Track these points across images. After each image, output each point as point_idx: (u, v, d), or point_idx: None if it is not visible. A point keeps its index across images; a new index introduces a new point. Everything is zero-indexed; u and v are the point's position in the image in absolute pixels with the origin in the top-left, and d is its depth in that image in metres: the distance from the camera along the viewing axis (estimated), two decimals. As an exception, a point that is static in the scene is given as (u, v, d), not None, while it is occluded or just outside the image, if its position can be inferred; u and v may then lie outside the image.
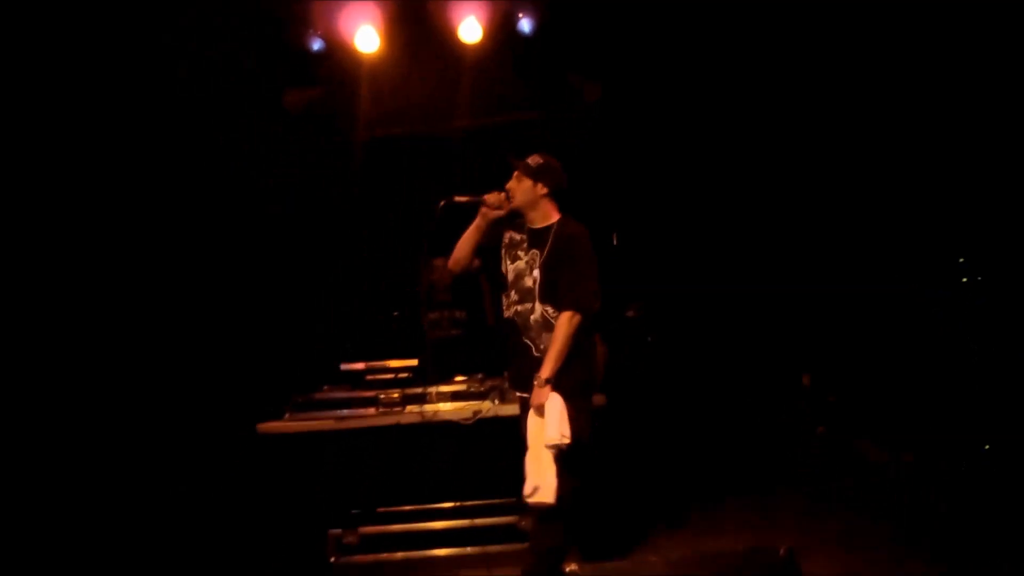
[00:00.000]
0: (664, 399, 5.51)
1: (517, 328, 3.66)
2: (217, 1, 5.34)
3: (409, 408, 4.80)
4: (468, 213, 3.73)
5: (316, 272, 5.76)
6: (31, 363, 4.68)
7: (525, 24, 5.76)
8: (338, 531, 4.74)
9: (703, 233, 6.27)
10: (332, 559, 4.71)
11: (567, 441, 3.38)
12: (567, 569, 2.80)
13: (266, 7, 5.57)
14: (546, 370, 3.43)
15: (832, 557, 4.13)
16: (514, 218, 3.75)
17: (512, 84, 5.96)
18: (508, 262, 3.74)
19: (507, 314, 3.74)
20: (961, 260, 5.54)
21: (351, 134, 5.93)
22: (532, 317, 3.60)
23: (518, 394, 3.75)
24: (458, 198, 3.73)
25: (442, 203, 3.74)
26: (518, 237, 3.73)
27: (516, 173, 3.65)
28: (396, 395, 4.88)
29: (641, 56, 5.86)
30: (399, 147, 6.14)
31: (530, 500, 3.43)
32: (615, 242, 5.78)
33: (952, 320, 5.54)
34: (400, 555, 4.70)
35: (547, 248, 3.58)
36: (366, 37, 5.72)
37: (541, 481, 3.42)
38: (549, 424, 3.40)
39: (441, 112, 6.00)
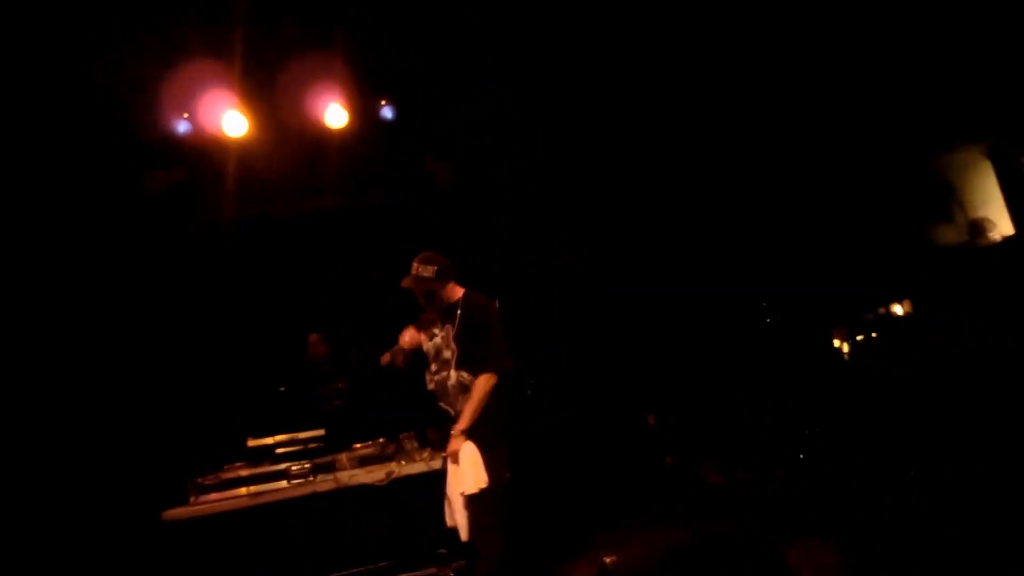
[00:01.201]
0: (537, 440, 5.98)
1: (436, 397, 4.08)
2: (73, 84, 5.29)
3: (321, 477, 4.92)
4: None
5: (204, 353, 5.65)
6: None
7: (387, 111, 6.23)
8: (260, 610, 4.69)
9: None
10: (255, 639, 4.64)
11: (483, 486, 3.77)
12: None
13: (125, 93, 5.57)
14: (462, 423, 3.83)
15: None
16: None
17: (375, 168, 6.35)
18: (427, 340, 4.15)
19: (429, 386, 4.12)
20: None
21: (220, 213, 5.96)
22: (449, 383, 3.99)
23: (442, 455, 4.11)
24: (384, 359, 4.26)
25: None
26: (432, 317, 4.15)
27: (416, 286, 4.05)
28: (307, 466, 4.98)
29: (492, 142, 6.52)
30: (268, 226, 6.24)
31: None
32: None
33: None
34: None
35: (457, 321, 4.02)
36: (233, 121, 5.88)
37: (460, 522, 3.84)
38: (465, 473, 3.79)
39: (307, 194, 6.23)
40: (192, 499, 4.78)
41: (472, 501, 3.82)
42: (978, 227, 6.51)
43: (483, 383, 3.86)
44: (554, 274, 6.74)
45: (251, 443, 5.01)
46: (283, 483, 4.91)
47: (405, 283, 4.05)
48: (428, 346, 4.12)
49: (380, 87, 6.07)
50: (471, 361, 3.94)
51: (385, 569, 4.82)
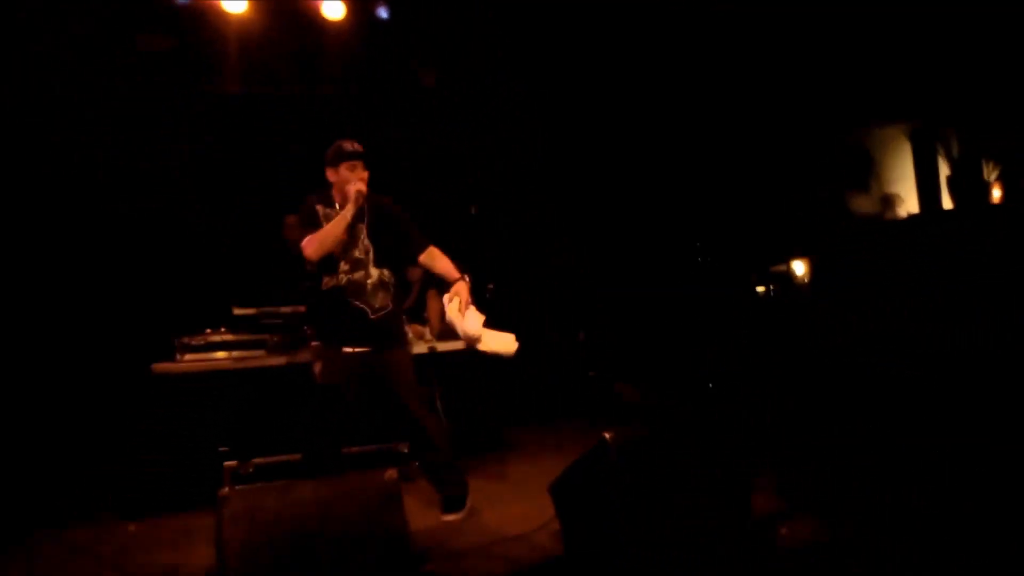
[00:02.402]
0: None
1: (346, 294, 4.02)
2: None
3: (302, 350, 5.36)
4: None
5: (195, 218, 5.86)
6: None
7: (383, 12, 6.44)
8: (233, 463, 5.16)
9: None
10: (226, 488, 5.11)
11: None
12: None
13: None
14: (457, 274, 4.06)
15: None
16: (324, 197, 4.11)
17: (364, 62, 6.59)
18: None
19: (336, 283, 4.04)
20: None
21: (218, 86, 6.09)
22: (369, 282, 4.07)
23: (345, 350, 4.05)
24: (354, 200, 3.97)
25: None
26: (333, 214, 4.03)
27: (358, 166, 4.00)
28: (287, 338, 5.40)
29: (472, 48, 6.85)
30: (259, 104, 6.39)
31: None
32: (473, 211, 6.72)
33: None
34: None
35: (367, 220, 4.08)
36: (234, -2, 5.97)
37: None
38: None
39: (298, 77, 6.41)
40: (178, 357, 5.17)
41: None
42: (889, 201, 7.39)
43: (440, 253, 4.14)
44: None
45: (236, 311, 5.39)
46: (262, 352, 5.38)
47: (353, 149, 3.99)
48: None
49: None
50: (389, 259, 4.12)
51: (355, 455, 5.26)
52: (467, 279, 4.12)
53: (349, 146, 4.03)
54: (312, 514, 2.58)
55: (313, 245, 3.93)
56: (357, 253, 4.07)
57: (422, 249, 4.15)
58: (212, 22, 5.96)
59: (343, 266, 4.05)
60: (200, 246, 5.87)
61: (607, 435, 3.22)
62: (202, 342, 5.22)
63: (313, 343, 4.37)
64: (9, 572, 3.59)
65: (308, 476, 3.85)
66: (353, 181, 3.98)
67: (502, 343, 4.16)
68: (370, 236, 4.10)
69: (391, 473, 2.79)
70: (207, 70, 6.04)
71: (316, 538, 2.54)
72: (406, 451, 5.30)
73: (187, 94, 5.97)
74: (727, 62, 7.52)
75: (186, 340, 5.17)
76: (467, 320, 4.05)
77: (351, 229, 4.01)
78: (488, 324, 4.15)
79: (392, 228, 4.14)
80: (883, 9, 6.76)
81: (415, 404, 4.19)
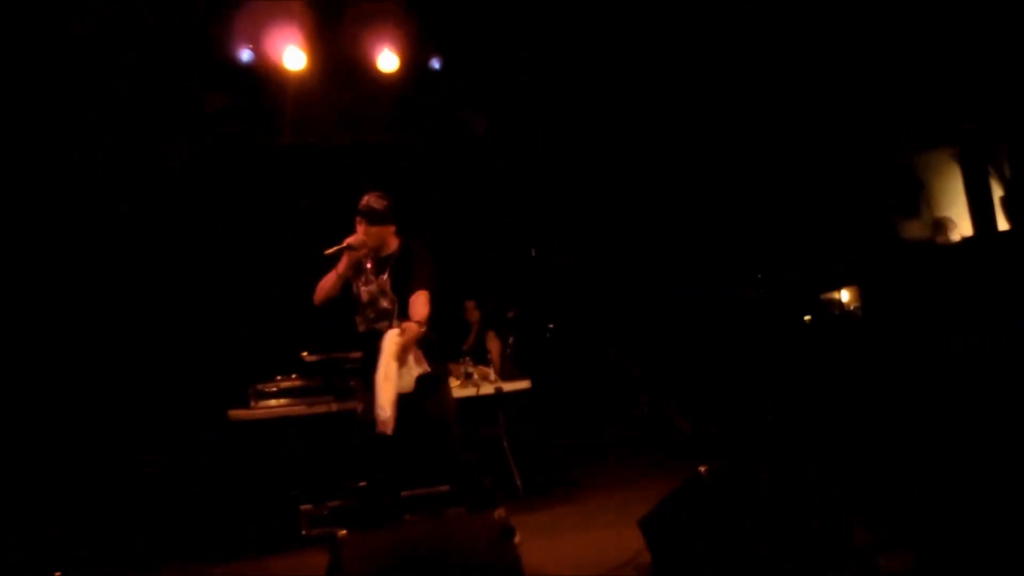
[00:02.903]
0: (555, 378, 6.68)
1: (373, 342, 4.07)
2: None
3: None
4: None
5: (260, 270, 6.05)
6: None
7: (435, 62, 6.65)
8: (309, 506, 5.25)
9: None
10: (304, 531, 5.22)
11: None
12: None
13: (196, 19, 5.85)
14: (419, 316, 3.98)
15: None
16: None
17: (417, 111, 6.80)
18: (360, 285, 4.20)
19: (363, 329, 4.22)
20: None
21: (274, 138, 6.31)
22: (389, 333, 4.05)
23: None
24: (328, 251, 4.06)
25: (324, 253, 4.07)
26: (367, 265, 4.18)
27: (363, 223, 4.08)
28: (353, 383, 5.52)
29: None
30: (317, 155, 6.62)
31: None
32: (533, 254, 6.87)
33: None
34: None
35: (391, 271, 4.13)
36: (293, 56, 6.20)
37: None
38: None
39: (354, 128, 6.63)
40: (252, 403, 5.31)
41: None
42: (941, 225, 7.37)
43: (423, 296, 4.01)
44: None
45: (307, 357, 5.53)
46: (332, 397, 5.49)
47: (363, 204, 4.04)
48: (363, 291, 4.19)
49: (431, 40, 6.47)
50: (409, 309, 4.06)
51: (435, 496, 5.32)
52: (422, 327, 4.02)
53: (363, 201, 4.12)
54: (427, 553, 2.65)
55: (315, 292, 4.20)
56: (384, 303, 4.14)
57: (414, 292, 4.08)
58: (270, 78, 6.22)
59: (369, 314, 4.17)
60: (271, 295, 6.03)
61: (702, 469, 3.29)
62: (274, 388, 5.35)
63: (353, 381, 4.47)
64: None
65: (372, 519, 3.98)
66: (356, 235, 4.10)
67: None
68: (394, 288, 4.13)
69: (500, 512, 2.87)
70: (270, 125, 6.26)
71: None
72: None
73: (249, 148, 6.20)
74: (773, 81, 7.63)
75: (260, 387, 5.32)
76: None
77: (376, 274, 4.14)
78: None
79: (410, 273, 4.13)
80: (927, 33, 6.85)
81: (453, 443, 4.20)
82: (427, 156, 6.83)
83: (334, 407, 5.40)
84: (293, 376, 5.44)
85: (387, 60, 6.47)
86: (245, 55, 6.09)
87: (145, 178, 5.61)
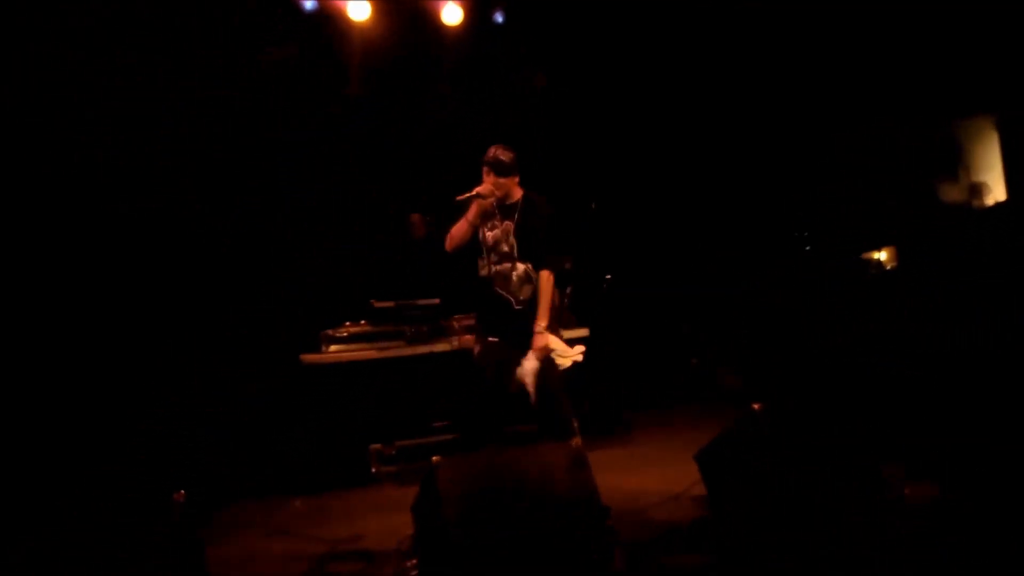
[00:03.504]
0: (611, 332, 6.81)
1: (492, 283, 4.31)
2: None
3: (437, 340, 5.69)
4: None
5: (334, 219, 6.24)
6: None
7: (498, 16, 6.71)
8: (378, 445, 5.50)
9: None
10: (373, 469, 5.47)
11: (579, 358, 4.33)
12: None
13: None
14: (542, 320, 4.22)
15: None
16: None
17: (480, 65, 6.87)
18: (486, 231, 4.37)
19: (483, 272, 4.39)
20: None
21: (343, 89, 6.45)
22: (514, 274, 4.31)
23: (489, 339, 4.35)
24: (458, 198, 4.24)
25: (455, 200, 4.27)
26: (488, 208, 4.33)
27: (491, 173, 4.24)
28: (425, 329, 5.72)
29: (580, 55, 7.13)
30: (382, 106, 6.74)
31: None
32: (593, 207, 6.98)
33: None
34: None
35: (518, 217, 4.32)
36: (359, 7, 6.31)
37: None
38: (564, 352, 4.31)
39: (420, 81, 6.75)
40: (324, 348, 5.54)
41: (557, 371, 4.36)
42: (978, 189, 7.36)
43: (546, 281, 4.27)
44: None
45: (376, 304, 5.73)
46: (401, 342, 5.71)
47: (491, 156, 4.22)
48: (488, 236, 4.37)
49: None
50: (532, 256, 4.30)
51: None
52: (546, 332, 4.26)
53: (490, 153, 4.28)
54: (514, 478, 2.82)
55: (447, 241, 4.35)
56: (504, 247, 4.32)
57: (541, 268, 4.30)
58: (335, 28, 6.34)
59: (492, 257, 4.33)
60: (343, 244, 6.21)
61: (756, 406, 3.48)
62: (345, 334, 5.56)
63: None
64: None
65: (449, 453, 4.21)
66: (484, 184, 4.26)
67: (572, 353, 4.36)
68: (516, 234, 4.32)
69: (577, 440, 3.03)
70: (332, 75, 6.38)
71: (521, 497, 2.78)
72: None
73: (316, 97, 6.33)
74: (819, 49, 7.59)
75: (330, 332, 5.53)
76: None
77: (501, 220, 4.31)
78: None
79: (535, 230, 4.32)
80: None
81: (556, 389, 4.35)
82: (487, 110, 6.92)
83: (402, 352, 5.66)
84: (362, 322, 5.67)
85: (451, 13, 6.56)
86: (309, 4, 6.22)
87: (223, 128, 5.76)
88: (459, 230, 4.31)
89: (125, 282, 5.16)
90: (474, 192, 4.22)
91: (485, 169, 4.27)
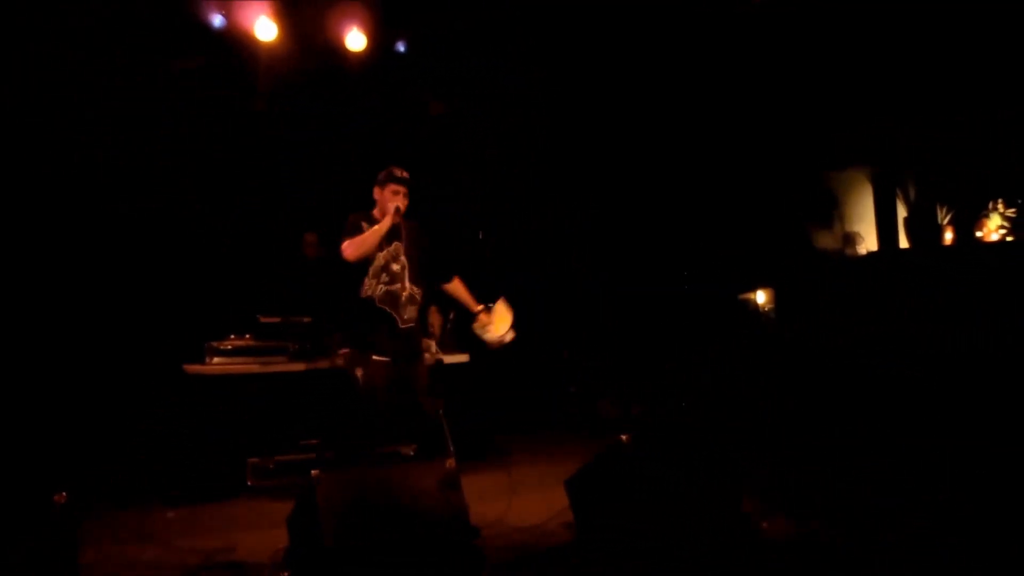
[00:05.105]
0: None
1: (376, 302, 4.45)
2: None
3: (320, 357, 5.81)
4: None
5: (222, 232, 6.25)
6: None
7: (401, 45, 6.95)
8: (256, 459, 5.56)
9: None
10: (249, 482, 5.52)
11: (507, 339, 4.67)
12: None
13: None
14: (477, 306, 4.63)
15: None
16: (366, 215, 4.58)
17: (381, 90, 7.08)
18: (377, 250, 4.49)
19: (372, 293, 4.51)
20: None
21: (248, 104, 6.53)
22: (403, 295, 4.51)
23: (374, 358, 4.42)
24: (389, 217, 4.40)
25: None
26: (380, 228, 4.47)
27: (402, 190, 4.48)
28: (308, 345, 5.84)
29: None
30: (284, 123, 6.84)
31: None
32: (480, 237, 7.23)
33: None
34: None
35: (405, 238, 4.55)
36: (265, 27, 6.42)
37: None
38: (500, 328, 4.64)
39: (322, 102, 6.89)
40: (207, 359, 5.58)
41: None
42: (851, 239, 8.09)
43: (459, 282, 4.69)
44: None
45: (262, 319, 5.80)
46: (284, 358, 5.79)
47: (404, 175, 4.45)
48: (380, 255, 4.49)
49: (399, 24, 6.76)
50: (423, 277, 4.58)
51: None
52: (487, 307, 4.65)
53: (399, 172, 4.50)
54: (389, 495, 3.04)
55: (351, 249, 4.40)
56: (395, 267, 4.51)
57: (450, 278, 4.66)
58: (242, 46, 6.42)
59: (384, 277, 4.50)
60: (231, 258, 6.26)
61: (623, 438, 3.78)
62: (229, 346, 5.62)
63: (343, 350, 4.78)
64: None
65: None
66: (394, 201, 4.46)
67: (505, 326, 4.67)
68: (407, 254, 4.54)
69: (451, 461, 3.26)
70: (238, 90, 6.46)
71: (395, 514, 2.99)
72: (412, 453, 5.76)
73: (219, 111, 6.39)
74: (711, 97, 8.15)
75: (215, 344, 5.59)
76: (496, 328, 4.63)
77: (388, 243, 4.47)
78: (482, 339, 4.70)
79: (425, 251, 4.60)
80: (852, 60, 7.47)
81: (432, 410, 4.63)
82: (387, 134, 7.12)
83: (284, 367, 5.75)
84: (247, 336, 5.74)
85: (355, 39, 6.76)
86: (217, 20, 6.29)
87: (120, 135, 5.74)
88: (369, 242, 4.40)
89: None
90: (394, 209, 4.41)
91: (395, 187, 4.47)
